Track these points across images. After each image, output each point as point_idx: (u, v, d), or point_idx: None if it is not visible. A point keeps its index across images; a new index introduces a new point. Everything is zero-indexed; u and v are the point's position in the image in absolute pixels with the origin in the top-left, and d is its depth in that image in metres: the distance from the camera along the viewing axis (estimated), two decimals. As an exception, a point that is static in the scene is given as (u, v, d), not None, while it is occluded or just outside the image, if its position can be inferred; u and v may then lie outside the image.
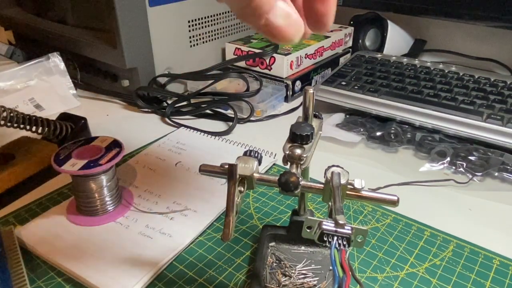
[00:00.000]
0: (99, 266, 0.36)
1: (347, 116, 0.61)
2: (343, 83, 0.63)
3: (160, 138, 0.57)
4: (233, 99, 0.64)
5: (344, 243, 0.27)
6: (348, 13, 0.86)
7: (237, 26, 0.80)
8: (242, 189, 0.31)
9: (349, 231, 0.26)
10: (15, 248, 0.37)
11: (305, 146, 0.32)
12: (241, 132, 0.60)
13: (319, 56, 0.76)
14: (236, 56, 0.73)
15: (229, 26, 0.78)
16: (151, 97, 0.66)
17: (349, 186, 0.30)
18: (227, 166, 0.31)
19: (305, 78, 0.72)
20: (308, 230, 0.27)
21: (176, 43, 0.69)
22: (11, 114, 0.47)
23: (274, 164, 0.52)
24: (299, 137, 0.32)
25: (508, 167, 0.49)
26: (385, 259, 0.38)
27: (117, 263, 0.36)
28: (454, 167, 0.50)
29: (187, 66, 0.72)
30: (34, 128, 0.49)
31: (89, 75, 0.72)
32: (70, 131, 0.52)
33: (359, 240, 0.27)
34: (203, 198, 0.45)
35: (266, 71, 0.71)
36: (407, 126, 0.56)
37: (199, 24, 0.72)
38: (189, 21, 0.70)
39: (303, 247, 0.38)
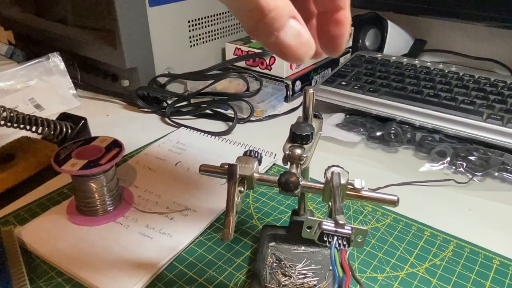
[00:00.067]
0: (99, 266, 0.36)
1: (347, 116, 0.61)
2: (343, 83, 0.63)
3: (160, 138, 0.57)
4: (233, 99, 0.64)
5: (344, 243, 0.27)
6: (348, 13, 0.86)
7: (237, 26, 0.80)
8: (242, 189, 0.31)
9: (349, 231, 0.26)
10: (15, 248, 0.37)
11: (305, 146, 0.32)
12: (241, 132, 0.60)
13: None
14: (236, 56, 0.73)
15: (229, 26, 0.78)
16: (151, 97, 0.66)
17: (349, 186, 0.30)
18: (227, 166, 0.31)
19: (305, 78, 0.72)
20: (308, 230, 0.27)
21: (176, 43, 0.69)
22: (11, 114, 0.47)
23: (274, 164, 0.52)
24: (299, 137, 0.32)
25: (508, 167, 0.49)
26: (385, 259, 0.38)
27: (117, 263, 0.36)
28: (454, 167, 0.50)
29: (187, 66, 0.72)
30: (34, 128, 0.49)
31: (89, 75, 0.72)
32: (70, 131, 0.52)
33: (359, 240, 0.27)
34: (203, 198, 0.45)
35: (266, 71, 0.71)
36: (407, 126, 0.56)
37: (199, 24, 0.72)
38: (189, 21, 0.70)
39: (303, 247, 0.38)
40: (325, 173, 0.30)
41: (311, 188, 0.31)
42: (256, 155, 0.33)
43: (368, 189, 0.30)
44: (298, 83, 0.70)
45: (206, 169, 0.34)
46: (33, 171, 0.48)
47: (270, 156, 0.52)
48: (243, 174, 0.31)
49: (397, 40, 0.85)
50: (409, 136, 0.55)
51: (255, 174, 0.32)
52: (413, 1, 0.76)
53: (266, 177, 0.32)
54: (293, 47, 0.22)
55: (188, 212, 0.43)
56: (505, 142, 0.50)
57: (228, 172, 0.31)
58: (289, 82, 0.69)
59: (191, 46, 0.72)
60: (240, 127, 0.61)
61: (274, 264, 0.36)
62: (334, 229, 0.27)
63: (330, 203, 0.29)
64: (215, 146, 0.55)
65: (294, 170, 0.31)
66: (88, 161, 0.39)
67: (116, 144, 0.43)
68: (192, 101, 0.66)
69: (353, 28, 0.84)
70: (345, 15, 0.26)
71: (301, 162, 0.31)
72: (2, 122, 0.47)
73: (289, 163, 0.31)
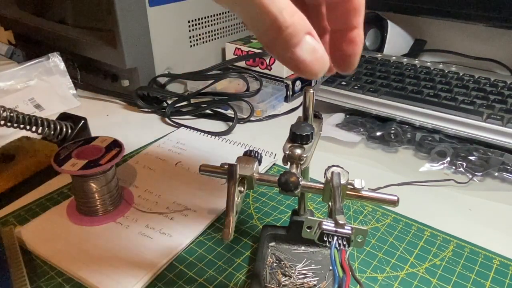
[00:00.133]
0: (99, 266, 0.36)
1: (347, 116, 0.61)
2: (343, 83, 0.63)
3: (160, 138, 0.57)
4: (233, 99, 0.64)
5: (344, 243, 0.27)
6: (348, 13, 0.86)
7: (237, 26, 0.80)
8: (242, 189, 0.31)
9: (349, 231, 0.26)
10: (15, 248, 0.37)
11: (305, 146, 0.32)
12: (241, 132, 0.60)
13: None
14: (236, 56, 0.73)
15: (229, 26, 0.78)
16: (151, 97, 0.66)
17: (349, 186, 0.30)
18: (227, 166, 0.31)
19: (305, 78, 0.72)
20: (308, 230, 0.27)
21: (176, 43, 0.69)
22: (11, 114, 0.47)
23: (274, 164, 0.52)
24: (299, 137, 0.32)
25: (508, 167, 0.49)
26: (385, 259, 0.38)
27: (117, 263, 0.36)
28: (454, 167, 0.50)
29: (187, 66, 0.72)
30: (34, 128, 0.49)
31: (89, 75, 0.72)
32: (70, 131, 0.52)
33: (359, 240, 0.27)
34: (203, 198, 0.45)
35: (266, 71, 0.71)
36: (407, 126, 0.56)
37: (199, 24, 0.72)
38: (189, 21, 0.70)
39: (303, 247, 0.38)
40: (325, 173, 0.30)
41: (311, 188, 0.31)
42: (256, 155, 0.33)
43: (368, 189, 0.30)
44: (298, 83, 0.70)
45: (206, 169, 0.34)
46: (33, 171, 0.48)
47: (270, 156, 0.52)
48: (243, 174, 0.31)
49: (397, 40, 0.85)
50: (409, 136, 0.55)
51: (255, 174, 0.32)
52: (413, 1, 0.76)
53: (266, 177, 0.32)
54: (308, 62, 0.22)
55: (188, 212, 0.43)
56: (505, 142, 0.50)
57: (228, 172, 0.31)
58: (289, 82, 0.69)
59: (191, 46, 0.72)
60: (240, 127, 0.61)
61: (274, 264, 0.36)
62: (334, 229, 0.27)
63: (330, 203, 0.29)
64: (215, 146, 0.55)
65: (294, 170, 0.31)
66: (88, 161, 0.39)
67: (116, 144, 0.43)
68: (192, 101, 0.66)
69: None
70: (359, 34, 0.26)
71: (301, 162, 0.31)
72: (2, 122, 0.47)
73: (289, 163, 0.31)
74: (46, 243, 0.39)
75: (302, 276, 0.35)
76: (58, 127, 0.51)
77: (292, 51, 0.22)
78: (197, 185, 0.47)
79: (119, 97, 0.69)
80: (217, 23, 0.75)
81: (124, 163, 0.51)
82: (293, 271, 0.35)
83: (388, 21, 0.82)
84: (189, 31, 0.71)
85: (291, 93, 0.69)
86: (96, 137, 0.44)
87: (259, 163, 0.33)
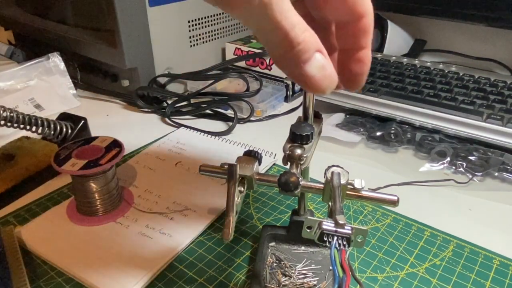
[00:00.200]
0: (99, 266, 0.36)
1: (347, 116, 0.61)
2: (343, 83, 0.63)
3: (160, 138, 0.57)
4: (233, 99, 0.64)
5: (344, 243, 0.27)
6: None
7: (237, 26, 0.80)
8: (242, 189, 0.31)
9: (349, 231, 0.26)
10: (15, 248, 0.37)
11: (305, 146, 0.32)
12: (241, 132, 0.60)
13: (319, 56, 0.76)
14: (236, 56, 0.73)
15: (229, 26, 0.78)
16: (151, 97, 0.66)
17: (349, 186, 0.30)
18: (227, 166, 0.31)
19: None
20: (308, 230, 0.27)
21: (176, 43, 0.69)
22: (11, 114, 0.47)
23: (274, 164, 0.52)
24: (299, 137, 0.32)
25: (508, 167, 0.49)
26: (385, 259, 0.38)
27: (117, 263, 0.36)
28: (454, 167, 0.50)
29: (187, 66, 0.71)
30: (34, 128, 0.49)
31: (89, 75, 0.72)
32: (70, 131, 0.52)
33: (359, 240, 0.27)
34: (203, 198, 0.45)
35: (266, 71, 0.71)
36: (407, 126, 0.56)
37: (199, 24, 0.72)
38: (189, 21, 0.70)
39: (303, 247, 0.38)
40: (325, 173, 0.30)
41: (311, 188, 0.31)
42: (256, 155, 0.33)
43: (368, 189, 0.30)
44: (298, 83, 0.70)
45: (206, 169, 0.34)
46: (33, 171, 0.48)
47: (270, 156, 0.52)
48: (243, 174, 0.31)
49: (397, 40, 0.85)
50: (409, 136, 0.55)
51: (255, 174, 0.32)
52: (413, 1, 0.76)
53: (266, 177, 0.32)
54: (317, 79, 0.23)
55: (188, 212, 0.43)
56: (505, 142, 0.50)
57: (228, 172, 0.31)
58: (289, 82, 0.68)
59: (191, 46, 0.72)
60: (240, 127, 0.61)
61: (274, 264, 0.36)
62: (334, 229, 0.27)
63: (330, 203, 0.29)
64: (215, 146, 0.55)
65: (294, 170, 0.31)
66: (88, 161, 0.39)
67: (116, 144, 0.43)
68: (192, 101, 0.66)
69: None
70: (367, 54, 0.27)
71: (301, 162, 0.31)
72: (2, 122, 0.47)
73: (289, 163, 0.31)
74: (46, 243, 0.39)
75: (302, 276, 0.35)
76: (58, 127, 0.51)
77: (302, 67, 0.22)
78: (197, 185, 0.47)
79: (119, 97, 0.69)
80: (217, 23, 0.75)
81: (124, 163, 0.51)
82: (293, 271, 0.35)
83: (388, 21, 0.82)
84: (189, 31, 0.71)
85: (291, 93, 0.69)
86: (96, 137, 0.44)
87: (259, 163, 0.33)
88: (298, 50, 0.22)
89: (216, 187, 0.47)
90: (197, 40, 0.73)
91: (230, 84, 0.69)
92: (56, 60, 0.69)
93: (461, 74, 0.65)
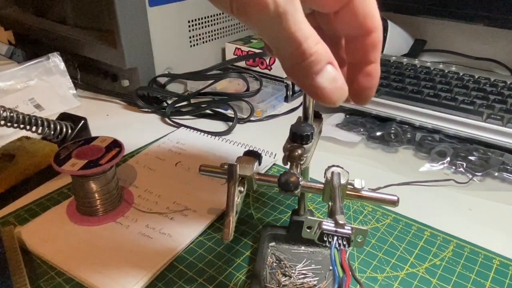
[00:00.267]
0: (99, 266, 0.36)
1: (347, 116, 0.61)
2: (343, 83, 0.63)
3: (160, 138, 0.57)
4: (233, 99, 0.64)
5: (344, 243, 0.27)
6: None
7: (237, 26, 0.80)
8: (242, 189, 0.31)
9: (349, 231, 0.26)
10: (15, 248, 0.37)
11: (305, 146, 0.32)
12: (241, 132, 0.60)
13: (319, 56, 0.76)
14: (236, 56, 0.73)
15: (229, 26, 0.78)
16: (151, 97, 0.66)
17: (349, 186, 0.30)
18: (227, 166, 0.31)
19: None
20: (308, 230, 0.27)
21: (176, 43, 0.69)
22: (11, 114, 0.47)
23: (274, 164, 0.52)
24: (299, 137, 0.32)
25: (508, 167, 0.49)
26: (385, 259, 0.38)
27: (117, 263, 0.36)
28: (454, 167, 0.50)
29: (187, 66, 0.71)
30: (34, 128, 0.49)
31: (89, 75, 0.72)
32: (70, 131, 0.52)
33: (359, 240, 0.27)
34: (203, 198, 0.45)
35: (266, 71, 0.71)
36: (407, 126, 0.56)
37: (199, 24, 0.72)
38: (189, 21, 0.70)
39: (303, 247, 0.38)
40: (325, 173, 0.30)
41: (311, 188, 0.31)
42: (256, 155, 0.33)
43: (368, 189, 0.30)
44: (298, 83, 0.70)
45: (206, 169, 0.34)
46: (33, 171, 0.48)
47: (270, 156, 0.52)
48: (243, 174, 0.31)
49: (397, 40, 0.85)
50: (409, 136, 0.55)
51: (255, 174, 0.32)
52: (413, 1, 0.76)
53: (266, 177, 0.32)
54: (328, 91, 0.23)
55: (188, 212, 0.43)
56: (505, 142, 0.50)
57: (228, 172, 0.31)
58: (289, 82, 0.68)
59: (191, 46, 0.72)
60: (240, 127, 0.61)
61: (274, 264, 0.36)
62: (334, 229, 0.27)
63: (330, 203, 0.29)
64: (215, 146, 0.55)
65: (294, 170, 0.31)
66: (88, 161, 0.39)
67: (116, 144, 0.43)
68: (192, 101, 0.66)
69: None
70: (375, 68, 0.27)
71: (301, 162, 0.31)
72: (2, 122, 0.47)
73: (289, 163, 0.31)
74: (46, 243, 0.39)
75: (302, 276, 0.35)
76: (58, 127, 0.51)
77: (313, 78, 0.22)
78: (197, 185, 0.47)
79: (119, 97, 0.69)
80: (217, 23, 0.75)
81: (124, 163, 0.51)
82: (293, 271, 0.35)
83: (388, 21, 0.82)
84: (189, 31, 0.71)
85: (291, 93, 0.69)
86: (96, 137, 0.44)
87: (259, 163, 0.33)
88: (310, 61, 0.22)
89: (216, 187, 0.47)
90: (197, 40, 0.73)
91: (230, 84, 0.69)
92: (56, 60, 0.69)
93: (461, 74, 0.65)
